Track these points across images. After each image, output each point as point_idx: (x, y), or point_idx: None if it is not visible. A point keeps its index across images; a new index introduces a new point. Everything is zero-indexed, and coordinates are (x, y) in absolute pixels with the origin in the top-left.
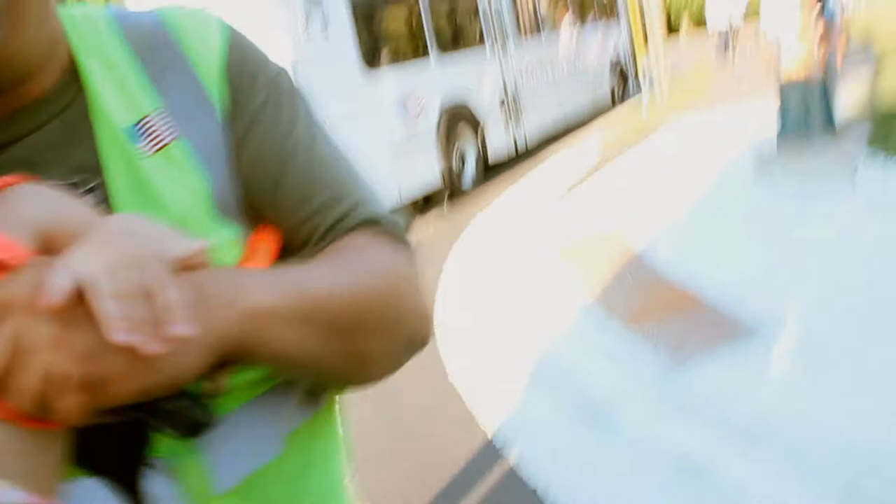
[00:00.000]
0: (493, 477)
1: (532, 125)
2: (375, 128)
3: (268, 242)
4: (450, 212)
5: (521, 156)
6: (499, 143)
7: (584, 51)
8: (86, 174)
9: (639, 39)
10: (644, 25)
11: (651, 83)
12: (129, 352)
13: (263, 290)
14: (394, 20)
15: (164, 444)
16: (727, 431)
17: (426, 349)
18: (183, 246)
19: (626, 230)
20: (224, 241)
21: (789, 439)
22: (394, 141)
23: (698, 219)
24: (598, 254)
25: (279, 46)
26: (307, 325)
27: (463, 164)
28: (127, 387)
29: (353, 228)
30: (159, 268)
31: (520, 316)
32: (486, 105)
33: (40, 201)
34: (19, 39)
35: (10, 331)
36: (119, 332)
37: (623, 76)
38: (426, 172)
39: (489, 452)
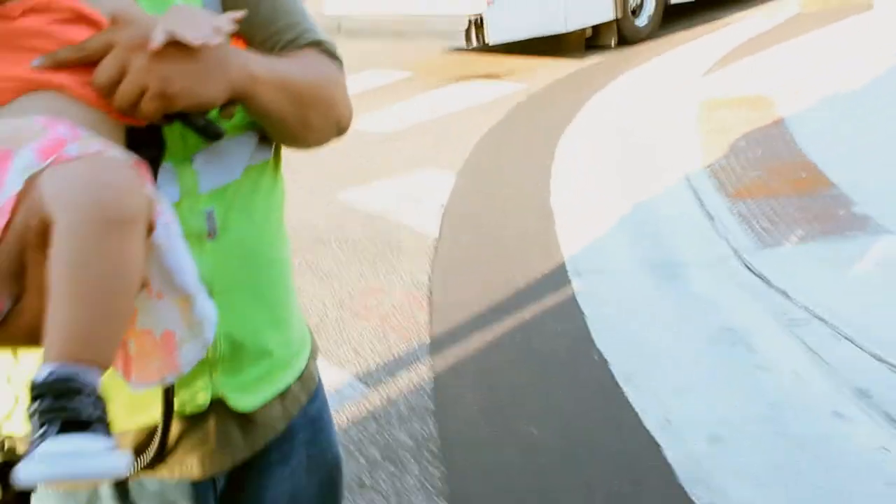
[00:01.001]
0: (555, 298)
1: None
2: None
3: (241, 46)
4: (617, 49)
5: (709, 3)
6: None
7: None
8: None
9: None
10: None
11: None
12: (191, 75)
13: (261, 63)
14: None
15: (173, 153)
16: (782, 320)
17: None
18: (222, 19)
19: (782, 98)
20: None
21: (840, 346)
22: None
23: (864, 112)
24: (739, 114)
25: None
26: (281, 92)
27: (641, 2)
28: (184, 100)
29: (303, 46)
30: (212, 21)
31: (634, 161)
32: None
33: None
34: None
35: (120, 57)
36: (190, 37)
37: None
38: (598, 3)
39: (560, 275)
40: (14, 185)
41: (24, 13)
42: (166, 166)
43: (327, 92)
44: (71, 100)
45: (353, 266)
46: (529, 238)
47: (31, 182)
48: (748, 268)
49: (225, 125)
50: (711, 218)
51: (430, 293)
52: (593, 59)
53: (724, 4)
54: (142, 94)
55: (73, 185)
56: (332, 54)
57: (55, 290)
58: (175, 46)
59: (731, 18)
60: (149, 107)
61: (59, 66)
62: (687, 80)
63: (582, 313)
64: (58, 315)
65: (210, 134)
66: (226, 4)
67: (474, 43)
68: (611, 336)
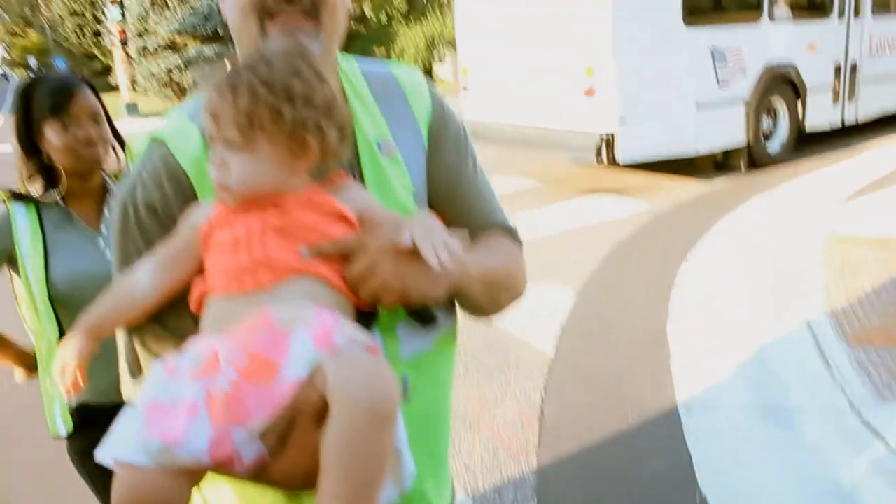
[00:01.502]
0: (663, 432)
1: (868, 103)
2: (686, 79)
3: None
4: (747, 173)
5: (846, 130)
6: (822, 114)
7: None
8: (349, 167)
9: None
10: None
11: None
12: (425, 278)
13: (474, 261)
14: None
15: (382, 323)
16: (893, 482)
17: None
18: (454, 243)
19: None
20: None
21: None
22: (703, 93)
23: None
24: (867, 254)
25: None
26: (485, 284)
27: (774, 127)
28: (416, 299)
29: (492, 228)
30: (446, 235)
31: (755, 295)
32: (816, 72)
33: (361, 194)
34: (325, 61)
35: (371, 258)
36: (431, 259)
37: None
38: (730, 129)
39: (670, 409)
40: (299, 372)
41: (297, 207)
42: (374, 333)
43: (517, 278)
44: (326, 286)
45: (471, 376)
46: (643, 365)
47: (313, 370)
48: (863, 422)
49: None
50: (829, 364)
51: (542, 413)
52: (721, 182)
53: (862, 131)
54: (383, 289)
55: (351, 383)
56: (516, 238)
57: (327, 467)
58: (416, 252)
59: (867, 145)
60: (387, 300)
61: (321, 257)
62: (816, 212)
63: (688, 452)
64: (328, 489)
65: (427, 321)
66: (431, 176)
67: (604, 161)
68: (715, 480)
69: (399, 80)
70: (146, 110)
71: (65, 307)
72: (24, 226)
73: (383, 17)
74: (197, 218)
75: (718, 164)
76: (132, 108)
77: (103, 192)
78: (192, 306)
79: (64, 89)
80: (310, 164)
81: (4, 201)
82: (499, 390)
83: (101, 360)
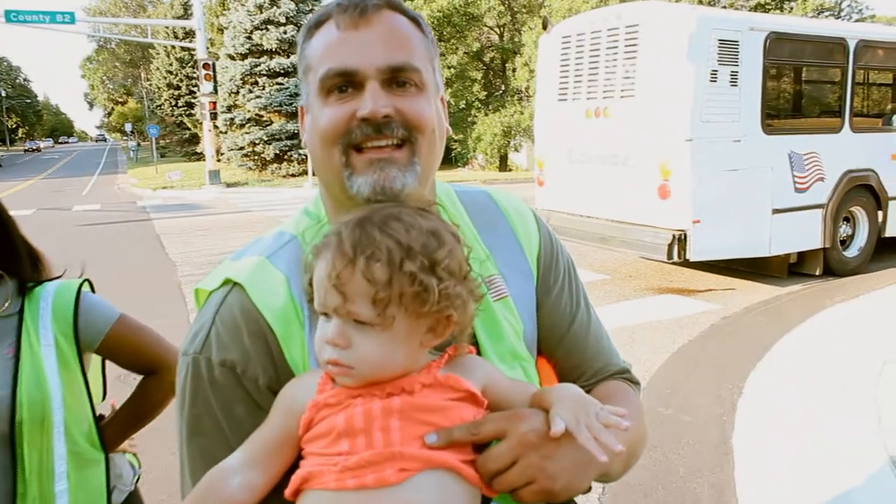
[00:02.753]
0: None
1: None
2: (763, 182)
3: (549, 369)
4: (822, 278)
5: None
6: None
7: None
8: None
9: None
10: None
11: None
12: (575, 471)
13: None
14: (808, 87)
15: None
16: None
17: None
18: (611, 438)
19: None
20: (531, 366)
21: None
22: (779, 198)
23: None
24: None
25: (681, 94)
26: (625, 458)
27: (852, 233)
28: (563, 497)
29: (611, 375)
30: (600, 415)
31: (828, 414)
32: None
33: (484, 367)
34: (421, 189)
35: (513, 449)
36: (596, 452)
37: None
38: (807, 233)
39: None
40: None
41: (423, 388)
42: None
43: (645, 437)
44: (456, 479)
45: None
46: (704, 474)
47: None
48: None
49: None
50: None
51: None
52: (795, 287)
53: None
54: (525, 484)
55: None
56: (634, 380)
57: None
58: (566, 437)
59: None
60: (529, 498)
61: (451, 444)
62: (893, 329)
63: None
64: None
65: None
66: (544, 319)
67: (675, 258)
68: None
69: (501, 206)
70: (227, 179)
71: None
72: None
73: (462, 104)
74: (296, 398)
75: (792, 266)
76: (214, 176)
77: None
78: (289, 495)
79: None
80: (444, 339)
81: None
82: None
83: None
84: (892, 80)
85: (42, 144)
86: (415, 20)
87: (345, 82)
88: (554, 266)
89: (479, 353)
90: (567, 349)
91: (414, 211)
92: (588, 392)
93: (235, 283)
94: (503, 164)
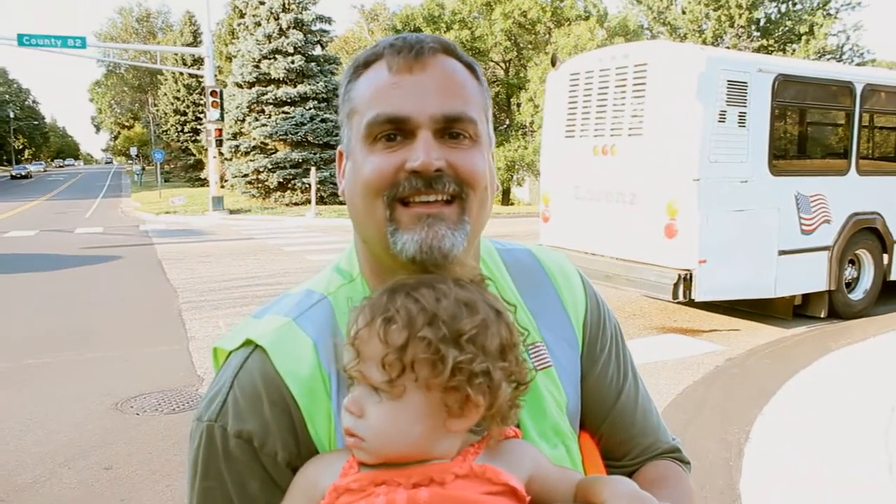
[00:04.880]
0: None
1: None
2: (769, 223)
3: (592, 445)
4: (826, 321)
5: None
6: None
7: None
8: None
9: None
10: None
11: None
12: None
13: None
14: (815, 130)
15: None
16: None
17: None
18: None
19: None
20: (573, 443)
21: None
22: (785, 239)
23: None
24: None
25: (689, 134)
26: None
27: (858, 275)
28: None
29: (660, 454)
30: None
31: (836, 464)
32: None
33: (532, 455)
34: (469, 249)
35: None
36: None
37: None
38: (812, 275)
39: None
40: None
41: (456, 479)
42: None
43: None
44: None
45: None
46: None
47: None
48: None
49: None
50: None
51: None
52: (799, 329)
53: None
54: None
55: None
56: (685, 460)
57: None
58: None
59: None
60: None
61: None
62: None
63: None
64: None
65: None
66: (589, 391)
67: (681, 297)
68: None
69: (545, 266)
70: (230, 205)
71: None
72: None
73: None
74: (318, 480)
75: (797, 308)
76: (217, 202)
77: None
78: None
79: None
80: (471, 423)
81: None
82: None
83: None
84: None
85: (32, 168)
86: (470, 67)
87: (394, 130)
88: (601, 333)
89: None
90: (613, 424)
91: (454, 282)
92: (635, 472)
93: (257, 346)
94: (506, 198)
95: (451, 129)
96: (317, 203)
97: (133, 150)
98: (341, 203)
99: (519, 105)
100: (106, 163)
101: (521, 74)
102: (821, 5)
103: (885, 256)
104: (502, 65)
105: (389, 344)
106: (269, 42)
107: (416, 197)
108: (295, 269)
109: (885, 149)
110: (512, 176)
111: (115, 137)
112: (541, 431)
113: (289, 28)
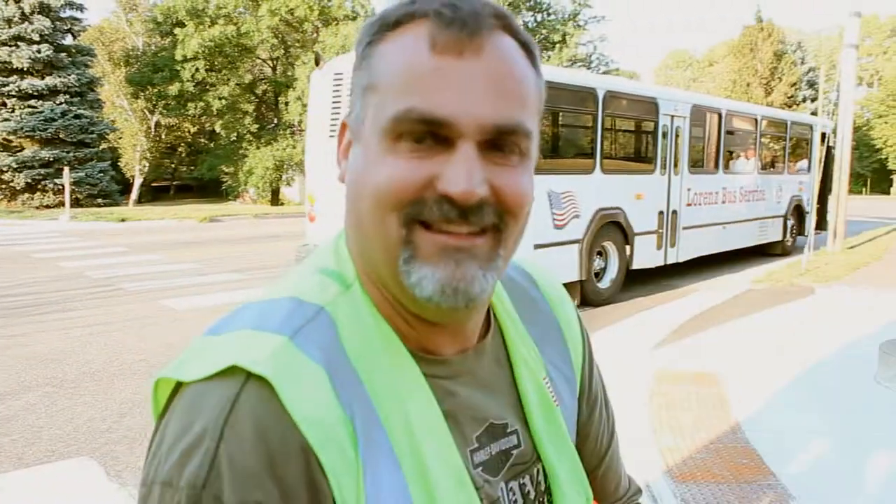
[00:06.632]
0: None
1: (686, 249)
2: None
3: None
4: (579, 307)
5: (669, 268)
6: (647, 255)
7: (761, 193)
8: (505, 417)
9: (824, 193)
10: (829, 180)
11: (824, 240)
12: None
13: None
14: (566, 131)
15: None
16: None
17: None
18: None
19: (730, 379)
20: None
21: None
22: (539, 234)
23: (806, 397)
24: (689, 391)
25: None
26: None
27: (605, 265)
28: None
29: (630, 495)
30: None
31: None
32: (642, 218)
33: None
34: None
35: None
36: None
37: (795, 226)
38: (564, 265)
39: None
40: None
41: None
42: None
43: None
44: None
45: None
46: None
47: None
48: None
49: None
50: (656, 501)
51: None
52: None
53: (683, 273)
54: None
55: None
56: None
57: None
58: None
59: (688, 288)
60: None
61: None
62: (641, 350)
63: None
64: None
65: None
66: (585, 439)
67: None
68: None
69: (543, 291)
70: None
71: None
72: None
73: (233, 136)
74: None
75: None
76: None
77: None
78: None
79: None
80: None
81: None
82: None
83: None
84: (634, 128)
85: None
86: (528, 48)
87: (427, 131)
88: (594, 375)
89: (545, 474)
90: (598, 471)
91: None
92: None
93: (250, 376)
94: (275, 198)
95: (500, 141)
96: (72, 205)
97: None
98: (98, 205)
99: (287, 104)
100: None
101: (289, 73)
102: (572, 16)
103: (628, 248)
104: (270, 62)
105: None
106: (10, 27)
107: (443, 225)
108: (45, 277)
109: (626, 150)
110: (281, 176)
111: None
112: (571, 477)
113: (32, 13)
